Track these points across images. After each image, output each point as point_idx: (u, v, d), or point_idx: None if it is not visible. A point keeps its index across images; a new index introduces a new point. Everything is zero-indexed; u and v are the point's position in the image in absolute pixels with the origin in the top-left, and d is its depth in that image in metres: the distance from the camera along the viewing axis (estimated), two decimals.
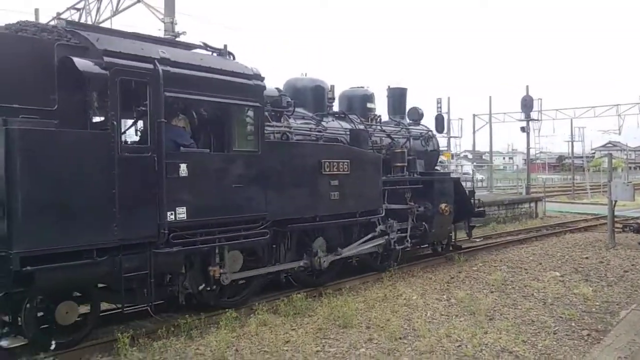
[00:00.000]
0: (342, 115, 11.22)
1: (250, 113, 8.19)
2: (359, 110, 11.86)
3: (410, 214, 11.71)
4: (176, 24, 16.09)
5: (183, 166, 7.24)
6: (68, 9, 21.25)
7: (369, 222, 10.58)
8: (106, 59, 6.54)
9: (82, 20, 19.59)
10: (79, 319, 6.81)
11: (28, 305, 6.40)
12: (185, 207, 7.27)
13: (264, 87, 8.37)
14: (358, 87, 12.50)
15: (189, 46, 8.30)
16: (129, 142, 7.64)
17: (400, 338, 7.22)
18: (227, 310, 7.98)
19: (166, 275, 7.67)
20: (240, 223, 8.04)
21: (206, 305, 8.24)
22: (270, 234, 8.47)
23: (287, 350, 6.81)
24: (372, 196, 10.33)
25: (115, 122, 6.56)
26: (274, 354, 6.66)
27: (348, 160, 9.65)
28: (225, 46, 8.56)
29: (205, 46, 8.48)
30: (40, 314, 6.53)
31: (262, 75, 8.36)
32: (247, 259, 8.63)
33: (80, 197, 6.29)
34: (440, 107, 28.24)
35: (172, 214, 7.11)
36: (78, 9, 21.04)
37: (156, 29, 16.78)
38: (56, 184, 6.12)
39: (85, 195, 6.33)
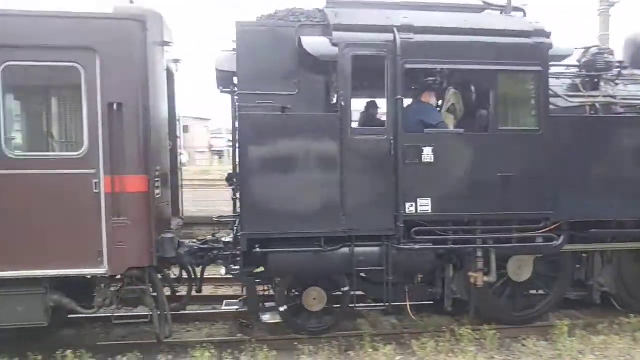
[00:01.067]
0: None
1: (527, 80, 6.36)
2: None
3: None
4: None
5: (427, 150, 6.16)
6: None
7: None
8: (335, 34, 6.04)
9: None
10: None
11: (276, 286, 6.61)
12: (429, 199, 6.20)
13: (548, 46, 6.35)
14: None
15: (456, 8, 6.99)
16: (361, 124, 6.98)
17: None
18: None
19: (416, 275, 6.72)
20: (508, 223, 6.40)
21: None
22: (564, 239, 6.49)
23: None
24: None
25: (344, 103, 6.02)
26: None
27: None
28: (509, 1, 6.93)
29: (485, 5, 7.04)
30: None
31: (548, 31, 6.38)
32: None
33: (307, 182, 6.05)
34: None
35: (411, 205, 6.16)
36: None
37: None
38: (282, 169, 6.02)
39: (312, 180, 6.05)
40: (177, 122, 7.63)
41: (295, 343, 6.37)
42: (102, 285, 5.86)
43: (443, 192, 6.22)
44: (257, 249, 6.03)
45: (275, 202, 6.01)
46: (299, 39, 6.10)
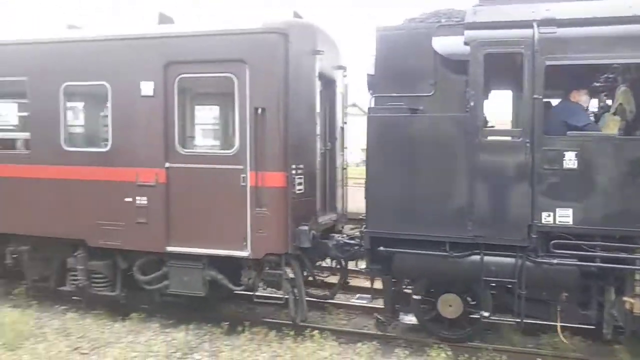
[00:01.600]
0: None
1: None
2: None
3: None
4: None
5: (570, 155, 5.51)
6: None
7: None
8: (467, 32, 5.81)
9: None
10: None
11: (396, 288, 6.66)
12: (571, 209, 5.55)
13: None
14: None
15: None
16: (494, 126, 6.42)
17: None
18: None
19: (559, 293, 6.02)
20: None
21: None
22: None
23: None
24: None
25: (474, 103, 5.76)
26: None
27: None
28: None
29: None
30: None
31: None
32: None
33: (432, 185, 5.97)
34: None
35: (549, 215, 5.60)
36: None
37: None
38: (407, 170, 6.04)
39: (438, 183, 5.95)
40: (343, 125, 8.15)
41: (427, 348, 6.32)
42: (247, 266, 6.69)
43: (588, 202, 5.50)
44: (381, 248, 6.16)
45: (399, 203, 6.08)
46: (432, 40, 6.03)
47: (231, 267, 6.81)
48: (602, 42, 5.47)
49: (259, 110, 6.36)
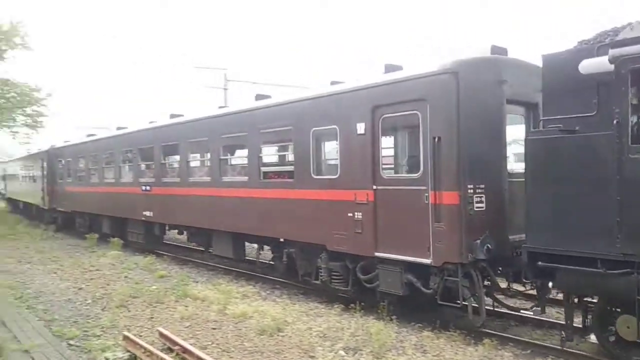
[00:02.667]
0: None
1: None
2: None
3: None
4: None
5: None
6: None
7: None
8: (612, 51, 5.86)
9: None
10: None
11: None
12: None
13: None
14: None
15: None
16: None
17: None
18: None
19: None
20: None
21: None
22: None
23: None
24: None
25: (618, 120, 5.76)
26: None
27: None
28: None
29: None
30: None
31: None
32: None
33: (582, 202, 6.13)
34: None
35: None
36: None
37: None
38: (560, 188, 6.33)
39: (587, 200, 6.09)
40: None
41: None
42: (434, 273, 7.81)
43: None
44: (540, 263, 6.52)
45: (552, 219, 6.39)
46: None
47: (423, 273, 7.99)
48: None
49: (436, 139, 7.54)
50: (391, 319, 8.32)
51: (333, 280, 9.54)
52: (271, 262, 11.92)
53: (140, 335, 7.81)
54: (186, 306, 9.63)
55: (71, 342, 7.83)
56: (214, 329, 8.33)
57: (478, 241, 7.34)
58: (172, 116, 15.33)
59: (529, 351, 7.22)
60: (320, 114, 9.57)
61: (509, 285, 8.13)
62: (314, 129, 9.71)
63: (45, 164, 25.54)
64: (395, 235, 8.17)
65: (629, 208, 5.71)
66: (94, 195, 19.72)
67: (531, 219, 6.67)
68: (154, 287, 11.28)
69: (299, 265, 10.40)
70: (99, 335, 8.11)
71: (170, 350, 7.03)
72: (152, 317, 9.06)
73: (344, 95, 9.21)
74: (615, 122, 5.82)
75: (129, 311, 9.50)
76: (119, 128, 19.47)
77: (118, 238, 17.29)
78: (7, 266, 14.23)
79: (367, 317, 8.60)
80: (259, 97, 12.16)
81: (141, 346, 6.97)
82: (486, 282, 7.83)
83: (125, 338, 7.41)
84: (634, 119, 5.86)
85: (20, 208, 34.29)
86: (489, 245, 7.36)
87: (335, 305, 9.40)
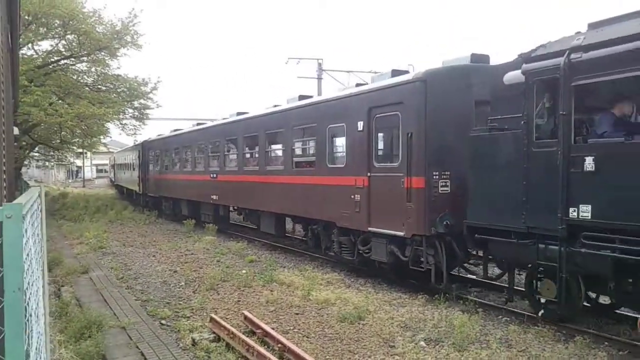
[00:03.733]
0: None
1: None
2: None
3: None
4: None
5: (589, 159, 6.60)
6: None
7: None
8: (523, 66, 7.45)
9: None
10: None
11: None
12: (589, 206, 6.61)
13: None
14: None
15: None
16: (542, 139, 7.30)
17: None
18: None
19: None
20: None
21: None
22: None
23: None
24: None
25: (525, 121, 7.38)
26: None
27: None
28: None
29: None
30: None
31: None
32: None
33: (504, 186, 7.79)
34: None
35: (574, 211, 6.77)
36: None
37: None
38: (489, 174, 8.10)
39: (506, 184, 7.72)
40: None
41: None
42: (408, 244, 9.66)
43: (603, 199, 6.51)
44: (477, 235, 8.21)
45: (484, 199, 8.18)
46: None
47: (402, 244, 9.81)
48: (617, 60, 6.30)
49: (409, 134, 9.36)
50: (477, 312, 8.24)
51: (343, 252, 11.56)
52: (304, 238, 14.30)
53: (226, 318, 8.07)
54: (272, 291, 9.90)
55: (163, 321, 8.23)
56: (297, 314, 8.50)
57: (438, 217, 9.07)
58: (239, 114, 17.98)
59: (626, 352, 6.74)
60: (334, 114, 11.65)
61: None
62: (330, 125, 11.82)
63: (140, 155, 29.44)
64: (382, 213, 10.08)
65: (531, 190, 7.31)
66: (175, 182, 22.99)
67: (470, 199, 8.39)
68: (244, 271, 11.66)
69: (322, 240, 12.51)
70: (188, 317, 8.47)
71: (253, 333, 7.23)
72: (239, 301, 9.33)
73: (350, 98, 11.22)
74: (523, 122, 7.41)
75: (218, 294, 9.85)
76: (198, 124, 22.63)
77: (194, 219, 20.21)
78: (113, 249, 15.37)
79: (451, 308, 8.61)
80: (301, 97, 14.28)
81: (225, 328, 7.17)
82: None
83: (212, 320, 7.65)
84: (539, 120, 7.37)
85: (124, 194, 38.98)
86: (447, 222, 9.04)
87: (420, 296, 9.50)
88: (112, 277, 11.51)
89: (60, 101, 25.82)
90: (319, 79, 29.93)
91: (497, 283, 9.45)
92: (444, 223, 9.06)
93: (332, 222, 11.68)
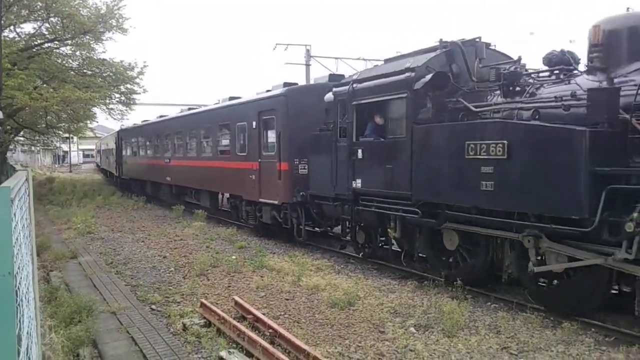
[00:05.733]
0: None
1: (400, 104, 9.49)
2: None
3: None
4: None
5: (359, 151, 10.51)
6: None
7: None
8: (333, 89, 11.38)
9: None
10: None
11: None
12: (360, 180, 10.49)
13: (413, 78, 9.07)
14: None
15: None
16: (341, 137, 11.12)
17: None
18: None
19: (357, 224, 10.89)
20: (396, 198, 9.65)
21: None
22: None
23: None
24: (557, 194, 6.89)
25: (332, 126, 11.34)
26: None
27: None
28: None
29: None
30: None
31: (414, 67, 9.15)
32: None
33: (323, 168, 11.53)
34: None
35: (354, 182, 10.62)
36: None
37: None
38: (316, 159, 12.04)
39: (323, 166, 11.51)
40: None
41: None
42: (281, 209, 13.53)
43: (366, 176, 10.39)
44: (316, 201, 12.49)
45: (315, 176, 12.30)
46: None
47: (279, 211, 13.63)
48: (374, 89, 10.15)
49: (279, 133, 13.29)
50: (466, 298, 8.43)
51: (249, 218, 15.41)
52: (229, 210, 18.03)
53: (217, 303, 8.07)
54: (262, 276, 9.97)
55: (153, 306, 8.25)
56: (287, 299, 8.54)
57: (297, 190, 12.86)
58: (190, 108, 22.66)
59: (612, 338, 6.75)
60: (240, 114, 15.59)
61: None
62: (237, 123, 15.71)
63: (116, 142, 32.79)
64: (267, 188, 13.92)
65: (335, 170, 11.15)
66: (141, 166, 26.97)
67: (310, 177, 12.40)
68: (233, 257, 11.79)
69: (239, 210, 16.25)
70: (178, 302, 8.50)
71: (244, 318, 7.26)
72: (229, 286, 9.35)
73: (249, 103, 15.24)
74: (332, 126, 11.37)
75: (208, 280, 9.89)
76: (159, 116, 26.06)
77: (154, 196, 24.55)
78: (102, 234, 15.43)
79: (440, 295, 8.68)
80: (231, 98, 17.78)
81: (216, 313, 7.20)
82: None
83: (202, 305, 7.69)
84: (340, 125, 11.11)
85: (107, 177, 41.85)
86: (303, 193, 12.81)
87: (409, 282, 9.60)
88: (101, 262, 11.57)
89: (45, 85, 25.57)
90: (307, 65, 30.06)
91: (332, 233, 13.28)
92: (301, 194, 12.84)
93: (240, 195, 15.59)
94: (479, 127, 8.01)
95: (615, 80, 7.17)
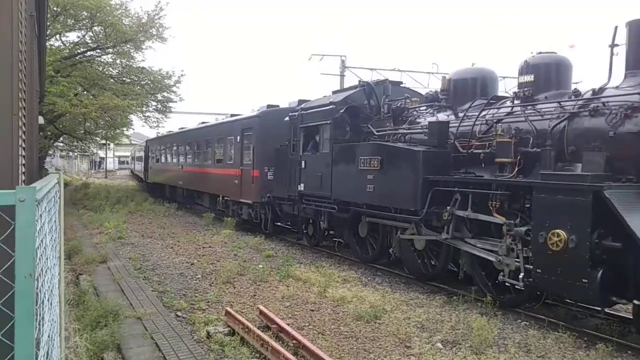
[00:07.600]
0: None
1: (327, 128, 13.02)
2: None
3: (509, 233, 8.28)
4: None
5: (303, 162, 13.90)
6: None
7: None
8: (289, 114, 14.89)
9: None
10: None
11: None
12: (303, 184, 13.85)
13: (334, 110, 12.68)
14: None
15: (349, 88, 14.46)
16: (293, 152, 14.57)
17: None
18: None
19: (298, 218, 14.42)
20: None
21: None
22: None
23: None
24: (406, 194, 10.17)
25: (288, 142, 14.78)
26: None
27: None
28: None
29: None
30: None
31: (335, 101, 12.85)
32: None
33: (282, 174, 15.11)
34: None
35: (300, 186, 13.99)
36: None
37: None
38: (278, 165, 15.53)
39: (285, 172, 15.01)
40: None
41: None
42: (253, 208, 17.09)
43: (308, 181, 13.86)
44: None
45: (277, 181, 15.83)
46: None
47: (254, 209, 17.11)
48: (310, 116, 13.71)
49: (253, 146, 16.86)
50: (495, 314, 8.25)
51: (235, 215, 18.68)
52: (223, 210, 20.87)
53: (242, 312, 8.01)
54: (288, 286, 9.87)
55: (179, 313, 8.21)
56: (312, 310, 8.43)
57: (265, 192, 16.24)
58: (202, 123, 26.56)
59: None
60: (230, 130, 19.33)
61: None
62: (228, 137, 19.41)
63: (145, 150, 37.17)
64: (245, 190, 17.40)
65: (289, 177, 14.57)
66: (163, 172, 30.80)
67: (274, 182, 15.91)
68: (260, 266, 11.63)
69: (229, 209, 19.46)
70: (204, 309, 8.44)
71: (268, 328, 7.19)
72: (255, 295, 9.27)
73: (236, 122, 19.11)
74: (287, 142, 14.78)
75: (234, 288, 9.79)
76: (180, 128, 29.61)
77: (173, 201, 27.92)
78: (132, 239, 15.44)
79: (469, 310, 8.49)
80: (232, 115, 21.73)
81: (240, 322, 7.13)
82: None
83: (227, 313, 7.62)
84: (294, 141, 14.52)
85: (139, 182, 44.74)
86: (269, 195, 16.10)
87: (437, 297, 9.40)
88: (130, 267, 11.55)
89: (85, 92, 26.17)
90: (342, 75, 29.77)
91: (285, 225, 16.96)
92: (268, 196, 16.18)
93: (229, 197, 19.05)
94: (366, 147, 11.44)
95: (460, 115, 10.23)
